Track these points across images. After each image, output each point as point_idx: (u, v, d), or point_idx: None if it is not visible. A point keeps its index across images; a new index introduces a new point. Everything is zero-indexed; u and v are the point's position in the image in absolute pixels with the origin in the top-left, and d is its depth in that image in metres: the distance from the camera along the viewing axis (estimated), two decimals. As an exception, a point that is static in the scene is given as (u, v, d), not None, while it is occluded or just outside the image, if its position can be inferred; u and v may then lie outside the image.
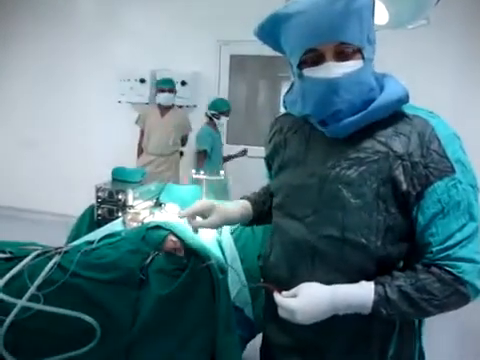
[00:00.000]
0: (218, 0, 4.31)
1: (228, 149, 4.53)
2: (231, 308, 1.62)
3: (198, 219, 1.18)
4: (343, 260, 0.95)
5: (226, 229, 2.09)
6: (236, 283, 1.75)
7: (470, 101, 3.71)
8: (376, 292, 0.89)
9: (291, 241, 1.04)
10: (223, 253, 1.89)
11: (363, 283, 0.92)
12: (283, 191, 1.09)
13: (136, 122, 4.16)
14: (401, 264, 0.96)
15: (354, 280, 0.94)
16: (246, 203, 1.28)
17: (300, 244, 1.01)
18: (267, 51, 1.05)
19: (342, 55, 0.90)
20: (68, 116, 4.97)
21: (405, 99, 0.93)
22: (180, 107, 4.45)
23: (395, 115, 0.93)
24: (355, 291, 0.91)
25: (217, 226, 1.20)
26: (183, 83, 4.43)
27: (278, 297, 0.96)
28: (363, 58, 0.91)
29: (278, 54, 1.05)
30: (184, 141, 4.28)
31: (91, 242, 1.64)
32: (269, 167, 1.22)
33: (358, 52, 0.90)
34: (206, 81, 4.60)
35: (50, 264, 1.42)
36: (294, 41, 0.92)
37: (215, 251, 1.75)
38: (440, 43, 3.68)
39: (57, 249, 1.54)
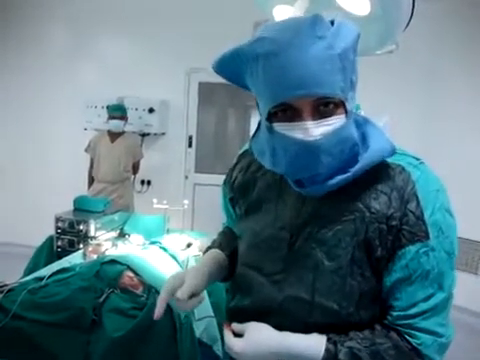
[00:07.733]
0: (187, 28, 4.28)
1: (197, 177, 4.44)
2: (196, 346, 1.51)
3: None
4: (310, 323, 0.85)
5: (192, 261, 1.98)
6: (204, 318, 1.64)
7: (435, 132, 3.73)
8: (327, 349, 0.80)
9: (255, 297, 0.92)
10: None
11: (315, 336, 0.83)
12: (250, 240, 0.96)
13: (86, 150, 3.98)
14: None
15: None
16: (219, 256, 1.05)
17: (264, 302, 0.90)
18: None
19: (322, 111, 0.75)
20: (33, 143, 4.78)
21: (391, 155, 0.83)
22: (146, 135, 4.36)
23: (376, 166, 0.82)
24: (304, 345, 0.82)
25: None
26: (151, 110, 4.32)
27: (226, 335, 0.87)
28: (346, 111, 0.76)
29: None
30: (136, 168, 4.10)
31: (41, 278, 1.51)
32: (233, 208, 1.05)
33: (340, 105, 0.75)
34: (174, 109, 4.51)
35: (-11, 305, 1.28)
36: (262, 88, 0.77)
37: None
38: (405, 72, 3.74)
39: (1, 287, 1.39)
